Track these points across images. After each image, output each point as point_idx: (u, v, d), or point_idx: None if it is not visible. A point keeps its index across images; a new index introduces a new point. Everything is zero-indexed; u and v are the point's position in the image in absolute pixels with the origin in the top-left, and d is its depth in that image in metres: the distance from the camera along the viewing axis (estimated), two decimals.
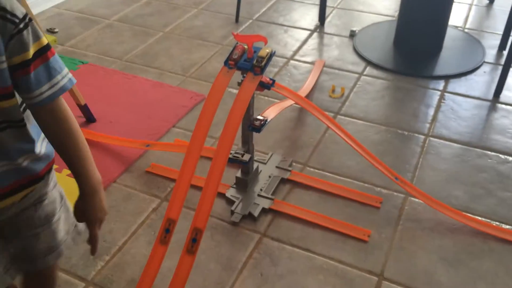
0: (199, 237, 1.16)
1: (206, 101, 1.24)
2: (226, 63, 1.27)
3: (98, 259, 1.33)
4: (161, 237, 1.18)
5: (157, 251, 1.18)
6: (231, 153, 1.42)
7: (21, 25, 0.72)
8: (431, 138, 1.76)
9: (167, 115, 1.89)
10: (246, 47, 1.28)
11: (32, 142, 0.80)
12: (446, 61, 2.22)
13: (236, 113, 1.21)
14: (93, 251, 0.87)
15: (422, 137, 1.77)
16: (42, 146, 0.82)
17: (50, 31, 2.46)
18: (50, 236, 0.88)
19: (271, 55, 1.27)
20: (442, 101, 1.96)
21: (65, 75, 0.79)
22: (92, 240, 0.86)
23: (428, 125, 1.83)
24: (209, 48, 2.34)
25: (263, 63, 1.24)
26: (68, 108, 0.81)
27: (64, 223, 0.91)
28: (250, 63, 1.25)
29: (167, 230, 1.18)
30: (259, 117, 1.41)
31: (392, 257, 1.32)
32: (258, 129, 1.38)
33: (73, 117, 0.81)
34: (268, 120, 1.41)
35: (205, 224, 1.16)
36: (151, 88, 2.06)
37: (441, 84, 2.06)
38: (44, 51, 0.76)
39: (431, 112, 1.90)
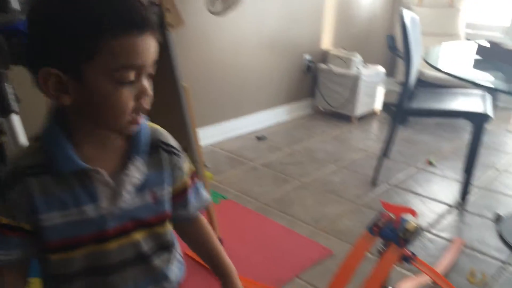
0: None
1: (344, 263, 1.23)
2: (369, 229, 1.28)
3: None
4: None
5: None
6: None
7: (182, 156, 0.84)
8: None
9: (292, 264, 1.89)
10: (393, 216, 1.29)
11: (172, 268, 0.85)
12: None
13: (374, 282, 1.18)
14: None
15: None
16: (174, 272, 0.87)
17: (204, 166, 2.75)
18: None
19: (419, 230, 1.25)
20: None
21: (204, 190, 0.91)
22: None
23: None
24: (343, 204, 2.39)
25: (409, 237, 1.22)
26: (204, 218, 0.92)
27: None
28: (395, 234, 1.24)
29: None
30: None
31: None
32: None
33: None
34: None
35: None
36: (282, 233, 2.12)
37: None
38: (194, 175, 0.88)
39: None
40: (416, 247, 2.05)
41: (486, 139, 3.27)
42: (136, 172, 0.77)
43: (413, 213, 1.26)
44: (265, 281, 1.77)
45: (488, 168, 2.87)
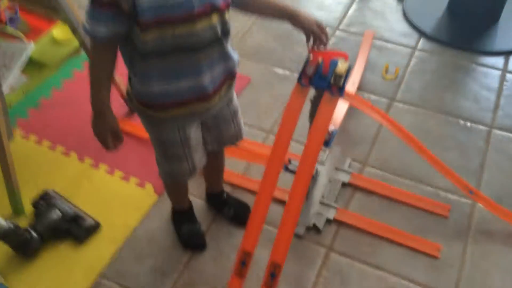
0: (278, 272, 1.12)
1: (282, 123, 1.14)
2: (299, 79, 1.15)
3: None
4: (237, 270, 1.15)
5: (233, 284, 1.15)
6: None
7: None
8: (495, 131, 1.66)
9: None
10: (320, 61, 1.15)
11: (233, 52, 1.05)
12: (506, 33, 2.05)
13: (316, 139, 1.11)
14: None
15: (485, 129, 1.67)
16: (235, 55, 1.06)
17: None
18: (237, 126, 1.21)
19: (349, 70, 1.14)
20: (504, 83, 1.83)
21: None
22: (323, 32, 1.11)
23: (491, 115, 1.72)
24: None
25: (342, 82, 1.12)
26: None
27: (240, 117, 1.22)
28: (326, 81, 1.13)
29: (243, 263, 1.14)
30: None
31: (465, 277, 1.30)
32: (327, 143, 1.29)
33: None
34: (335, 132, 1.31)
35: (284, 259, 1.12)
36: None
37: (501, 62, 1.92)
38: None
39: (493, 97, 1.78)
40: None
41: None
42: None
43: (344, 55, 1.13)
44: None
45: None
